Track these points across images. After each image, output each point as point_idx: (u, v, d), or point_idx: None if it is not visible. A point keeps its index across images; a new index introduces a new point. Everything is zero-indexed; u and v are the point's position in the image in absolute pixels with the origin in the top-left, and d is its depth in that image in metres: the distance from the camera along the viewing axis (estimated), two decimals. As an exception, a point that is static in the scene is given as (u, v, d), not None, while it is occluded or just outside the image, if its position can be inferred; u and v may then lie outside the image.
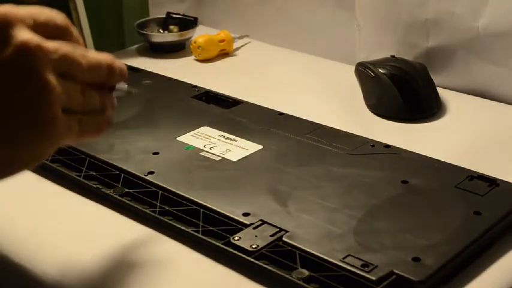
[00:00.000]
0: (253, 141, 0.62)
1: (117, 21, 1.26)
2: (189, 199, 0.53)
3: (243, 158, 0.59)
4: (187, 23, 0.90)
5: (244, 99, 0.71)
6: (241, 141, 0.62)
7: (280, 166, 0.58)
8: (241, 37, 0.91)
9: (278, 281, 0.45)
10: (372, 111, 0.72)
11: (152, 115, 0.68)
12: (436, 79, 0.73)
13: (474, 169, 0.56)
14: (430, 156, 0.59)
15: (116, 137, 0.63)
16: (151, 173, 0.56)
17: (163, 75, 0.78)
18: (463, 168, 0.57)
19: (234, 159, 0.59)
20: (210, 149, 0.60)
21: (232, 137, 0.62)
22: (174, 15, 0.93)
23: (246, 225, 0.50)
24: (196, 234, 0.50)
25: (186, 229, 0.50)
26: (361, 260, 0.45)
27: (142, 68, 0.80)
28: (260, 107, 0.69)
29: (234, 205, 0.52)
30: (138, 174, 0.56)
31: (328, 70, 0.83)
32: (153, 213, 0.52)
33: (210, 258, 0.49)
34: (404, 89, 0.70)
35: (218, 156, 0.59)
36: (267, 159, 0.59)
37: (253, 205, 0.52)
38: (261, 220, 0.50)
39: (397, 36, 0.79)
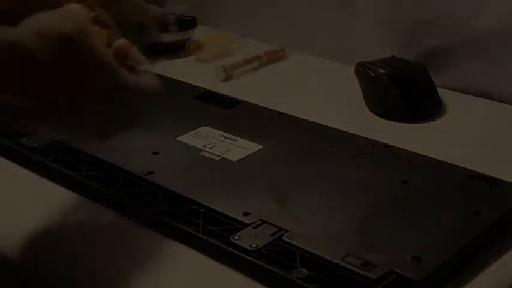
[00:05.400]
0: (253, 141, 0.62)
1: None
2: (189, 199, 0.53)
3: (243, 158, 0.59)
4: (186, 23, 0.90)
5: (244, 99, 0.71)
6: (241, 141, 0.62)
7: (280, 166, 0.58)
8: (243, 37, 0.91)
9: (278, 280, 0.45)
10: (372, 111, 0.72)
11: (152, 115, 0.68)
12: (436, 79, 0.73)
13: (474, 169, 0.56)
14: (430, 156, 0.59)
15: (116, 137, 0.62)
16: (151, 173, 0.56)
17: (163, 75, 0.78)
18: (463, 168, 0.57)
19: (234, 159, 0.59)
20: (210, 149, 0.60)
21: (232, 137, 0.62)
22: (170, 16, 0.92)
23: (246, 225, 0.50)
24: (196, 234, 0.50)
25: (186, 229, 0.50)
26: (361, 259, 0.45)
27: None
28: (260, 107, 0.69)
29: (234, 205, 0.52)
30: (138, 174, 0.56)
31: (328, 70, 0.83)
32: (152, 213, 0.52)
33: (210, 258, 0.49)
34: (404, 89, 0.70)
35: (218, 156, 0.59)
36: (267, 159, 0.59)
37: (253, 205, 0.52)
38: (261, 220, 0.50)
39: (397, 36, 0.79)
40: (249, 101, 0.71)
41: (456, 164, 0.57)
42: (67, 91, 0.45)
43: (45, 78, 0.44)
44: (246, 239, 0.48)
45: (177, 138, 0.62)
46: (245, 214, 0.51)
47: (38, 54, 0.43)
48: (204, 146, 0.61)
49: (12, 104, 0.44)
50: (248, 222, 0.50)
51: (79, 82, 0.45)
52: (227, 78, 0.81)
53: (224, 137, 0.63)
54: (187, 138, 0.63)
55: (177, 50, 0.89)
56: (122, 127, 0.50)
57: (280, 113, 0.68)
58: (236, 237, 0.48)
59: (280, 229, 0.49)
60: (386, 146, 0.61)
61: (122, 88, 0.47)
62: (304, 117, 0.66)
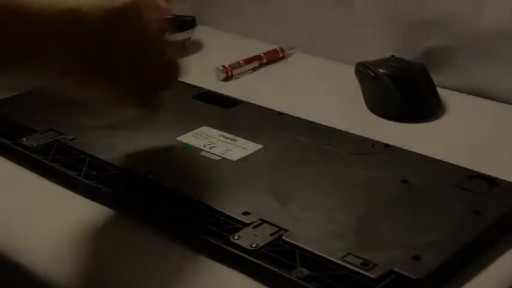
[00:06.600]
0: (253, 141, 0.62)
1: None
2: (189, 198, 0.53)
3: (243, 158, 0.59)
4: (186, 23, 0.90)
5: (244, 99, 0.71)
6: (241, 141, 0.62)
7: (280, 166, 0.58)
8: (243, 37, 0.90)
9: (278, 280, 0.45)
10: (372, 111, 0.72)
11: (152, 115, 0.68)
12: (436, 79, 0.73)
13: (474, 169, 0.56)
14: (430, 156, 0.59)
15: (116, 137, 0.63)
16: (151, 172, 0.56)
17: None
18: (463, 167, 0.56)
19: (234, 159, 0.59)
20: (210, 148, 0.60)
21: (232, 137, 0.62)
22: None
23: (246, 225, 0.50)
24: (196, 233, 0.50)
25: (186, 228, 0.50)
26: (361, 258, 0.45)
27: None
28: (260, 107, 0.69)
29: (234, 204, 0.52)
30: (138, 174, 0.56)
31: (328, 70, 0.83)
32: (152, 213, 0.52)
33: (209, 258, 0.49)
34: (404, 89, 0.70)
35: (218, 156, 0.59)
36: (267, 159, 0.59)
37: (253, 204, 0.52)
38: (260, 219, 0.50)
39: (397, 36, 0.79)
40: (249, 101, 0.71)
41: (456, 164, 0.57)
42: (116, 61, 0.48)
43: (97, 46, 0.47)
44: (245, 239, 0.48)
45: (177, 138, 0.63)
46: (245, 214, 0.51)
47: (92, 23, 0.46)
48: (204, 146, 0.61)
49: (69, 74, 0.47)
50: (248, 222, 0.50)
51: (127, 54, 0.49)
52: (227, 78, 0.81)
53: (224, 137, 0.63)
54: (187, 138, 0.63)
55: None
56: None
57: (280, 113, 0.68)
58: (236, 237, 0.48)
59: (280, 229, 0.49)
60: (386, 146, 0.61)
61: (165, 62, 0.53)
62: (304, 117, 0.66)
